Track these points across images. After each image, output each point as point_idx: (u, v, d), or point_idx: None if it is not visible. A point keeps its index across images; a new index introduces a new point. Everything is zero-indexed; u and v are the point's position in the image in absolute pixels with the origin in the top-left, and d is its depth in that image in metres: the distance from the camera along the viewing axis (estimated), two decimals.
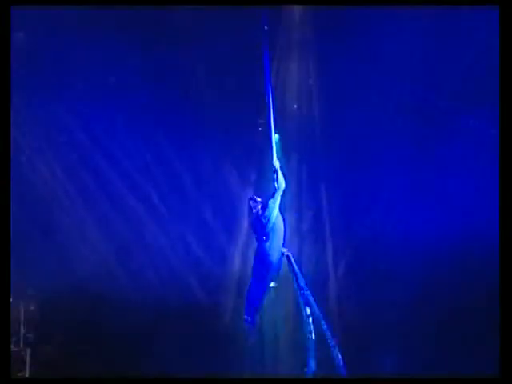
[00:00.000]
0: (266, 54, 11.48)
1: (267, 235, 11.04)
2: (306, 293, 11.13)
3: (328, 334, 11.14)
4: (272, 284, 11.81)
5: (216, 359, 14.49)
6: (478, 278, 14.02)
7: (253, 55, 12.36)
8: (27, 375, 14.00)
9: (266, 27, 11.64)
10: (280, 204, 11.27)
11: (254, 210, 11.10)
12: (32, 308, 14.38)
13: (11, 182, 11.57)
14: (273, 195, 11.11)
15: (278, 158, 11.57)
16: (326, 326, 11.12)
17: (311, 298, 11.15)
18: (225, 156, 14.91)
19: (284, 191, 14.75)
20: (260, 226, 11.06)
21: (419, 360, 13.74)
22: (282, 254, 11.18)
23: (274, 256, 11.10)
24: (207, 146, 14.94)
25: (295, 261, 11.31)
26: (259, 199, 11.19)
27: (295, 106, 15.10)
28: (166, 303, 14.63)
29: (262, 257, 11.11)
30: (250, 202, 11.19)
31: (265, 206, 11.06)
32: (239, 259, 14.92)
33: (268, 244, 11.05)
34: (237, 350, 14.59)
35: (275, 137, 15.22)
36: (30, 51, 13.76)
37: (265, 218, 11.00)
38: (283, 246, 11.28)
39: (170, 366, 14.34)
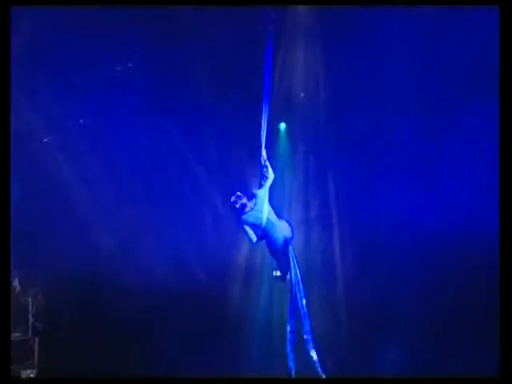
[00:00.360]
0: (271, 42, 11.36)
1: (268, 227, 10.69)
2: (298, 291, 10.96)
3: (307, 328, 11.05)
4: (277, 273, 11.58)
5: (222, 347, 14.61)
6: (479, 274, 14.03)
7: (260, 44, 12.19)
8: (36, 363, 14.14)
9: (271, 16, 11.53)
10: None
11: (238, 205, 10.60)
12: (40, 297, 14.47)
13: (12, 171, 11.54)
14: (261, 185, 10.73)
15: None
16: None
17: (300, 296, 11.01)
18: (233, 143, 14.88)
19: (289, 180, 14.82)
20: (254, 219, 10.64)
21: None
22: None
23: (286, 233, 10.81)
24: (216, 134, 14.96)
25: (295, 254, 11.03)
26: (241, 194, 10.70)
27: (302, 94, 15.07)
28: (173, 292, 14.66)
29: (274, 243, 10.81)
30: (236, 199, 10.66)
31: (255, 198, 10.66)
32: (246, 247, 14.94)
33: (274, 230, 10.75)
34: (243, 338, 14.72)
35: (282, 125, 15.27)
36: (30, 48, 13.72)
37: (258, 209, 10.58)
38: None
39: (176, 353, 14.52)
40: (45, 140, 14.62)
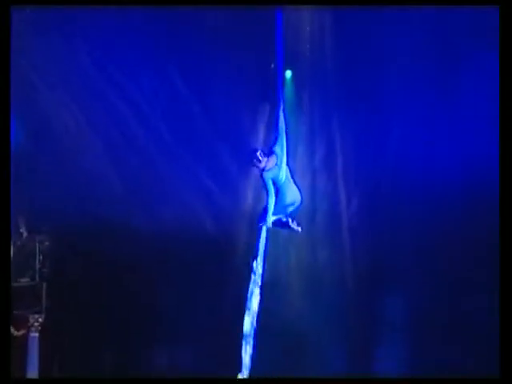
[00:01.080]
0: None
1: (284, 185, 10.67)
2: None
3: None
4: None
5: (226, 293, 14.87)
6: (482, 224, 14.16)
7: None
8: (43, 308, 14.39)
9: None
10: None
11: (262, 165, 10.55)
12: (47, 243, 14.60)
13: (13, 114, 11.56)
14: (276, 140, 10.74)
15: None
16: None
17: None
18: (238, 91, 14.78)
19: (295, 127, 14.80)
20: (274, 175, 10.57)
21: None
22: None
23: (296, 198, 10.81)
24: (221, 82, 14.84)
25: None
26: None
27: (308, 46, 14.94)
28: (179, 236, 14.82)
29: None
30: (258, 156, 10.55)
31: (275, 155, 10.61)
32: (252, 194, 15.02)
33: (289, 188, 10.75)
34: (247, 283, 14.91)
35: (287, 73, 15.14)
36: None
37: (279, 166, 10.59)
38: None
39: (181, 296, 14.83)
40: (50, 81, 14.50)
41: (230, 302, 14.67)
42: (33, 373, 13.99)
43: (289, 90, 14.97)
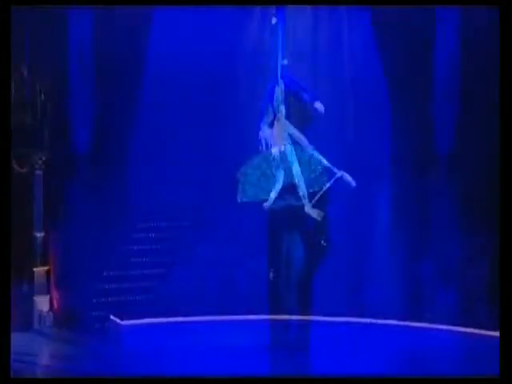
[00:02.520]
0: None
1: None
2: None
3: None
4: None
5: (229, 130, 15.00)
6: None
7: None
8: (48, 146, 14.62)
9: None
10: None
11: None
12: (48, 81, 14.55)
13: None
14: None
15: None
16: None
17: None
18: None
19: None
20: None
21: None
22: None
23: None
24: None
25: None
26: None
27: None
28: (183, 70, 14.81)
29: None
30: None
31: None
32: (255, 33, 14.80)
33: None
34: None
35: None
36: None
37: None
38: None
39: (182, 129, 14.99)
40: None
41: (233, 140, 14.79)
42: (38, 210, 14.40)
43: None
